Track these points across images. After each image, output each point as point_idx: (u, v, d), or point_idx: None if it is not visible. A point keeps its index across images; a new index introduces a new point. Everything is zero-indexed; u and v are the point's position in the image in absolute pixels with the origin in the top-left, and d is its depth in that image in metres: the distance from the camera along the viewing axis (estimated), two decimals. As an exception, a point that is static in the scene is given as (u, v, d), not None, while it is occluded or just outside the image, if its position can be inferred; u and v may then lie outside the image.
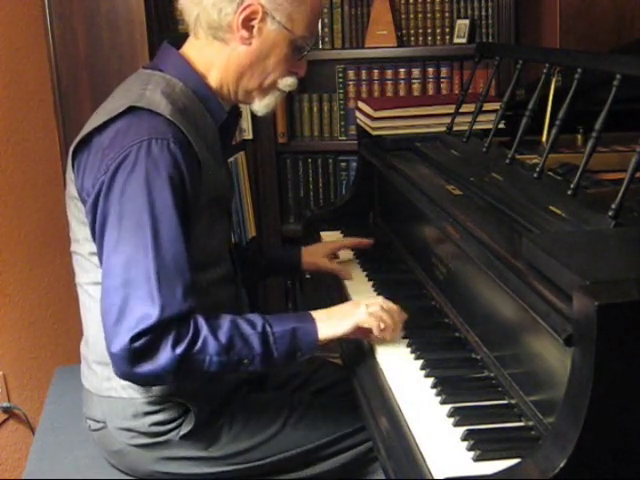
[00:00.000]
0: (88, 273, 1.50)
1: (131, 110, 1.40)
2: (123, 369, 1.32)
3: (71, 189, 1.49)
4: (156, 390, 1.48)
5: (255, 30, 1.47)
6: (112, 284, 1.33)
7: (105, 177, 1.37)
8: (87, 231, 1.45)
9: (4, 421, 2.31)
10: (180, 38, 1.58)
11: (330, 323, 1.45)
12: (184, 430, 1.49)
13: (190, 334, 1.33)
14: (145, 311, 1.30)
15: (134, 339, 1.29)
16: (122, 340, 1.30)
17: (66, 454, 1.64)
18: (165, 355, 1.31)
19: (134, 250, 1.33)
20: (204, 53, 1.52)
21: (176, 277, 1.34)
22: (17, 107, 2.34)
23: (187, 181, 1.38)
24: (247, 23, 1.46)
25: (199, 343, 1.33)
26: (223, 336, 1.35)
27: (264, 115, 1.60)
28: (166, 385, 1.46)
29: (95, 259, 1.45)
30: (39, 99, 2.45)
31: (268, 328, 1.40)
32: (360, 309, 1.47)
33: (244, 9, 1.45)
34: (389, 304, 1.50)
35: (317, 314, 1.46)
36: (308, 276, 1.97)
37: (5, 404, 2.30)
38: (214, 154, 1.51)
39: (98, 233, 1.39)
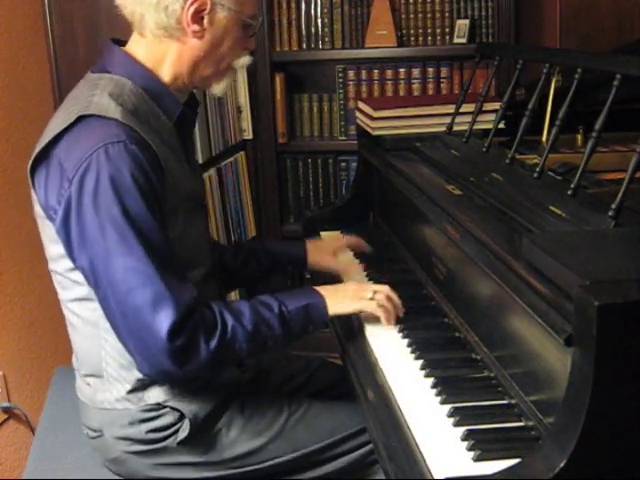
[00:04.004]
0: (68, 290, 1.48)
1: (82, 119, 1.37)
2: (164, 368, 1.35)
3: (37, 208, 1.45)
4: (150, 399, 1.48)
5: (206, 22, 1.44)
6: (119, 293, 1.34)
7: (71, 191, 1.34)
8: (60, 248, 1.41)
9: (4, 421, 2.31)
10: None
11: (337, 301, 1.52)
12: (181, 436, 1.48)
13: (219, 327, 1.39)
14: (162, 310, 1.33)
15: (171, 339, 1.33)
16: (158, 342, 1.33)
17: (66, 454, 1.64)
18: (203, 352, 1.36)
19: (126, 257, 1.33)
20: (153, 50, 1.48)
21: (172, 267, 1.38)
22: (17, 107, 2.34)
23: (152, 176, 1.37)
24: (197, 16, 1.44)
25: (229, 333, 1.40)
26: (248, 323, 1.42)
27: (222, 95, 1.61)
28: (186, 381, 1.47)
29: (73, 275, 1.43)
30: (39, 99, 2.45)
31: (283, 308, 1.47)
32: (367, 295, 1.54)
33: (192, 3, 1.42)
34: (392, 293, 1.57)
35: (324, 290, 1.53)
36: (308, 276, 1.97)
37: (5, 404, 2.30)
38: (173, 151, 1.48)
39: (79, 249, 1.36)
